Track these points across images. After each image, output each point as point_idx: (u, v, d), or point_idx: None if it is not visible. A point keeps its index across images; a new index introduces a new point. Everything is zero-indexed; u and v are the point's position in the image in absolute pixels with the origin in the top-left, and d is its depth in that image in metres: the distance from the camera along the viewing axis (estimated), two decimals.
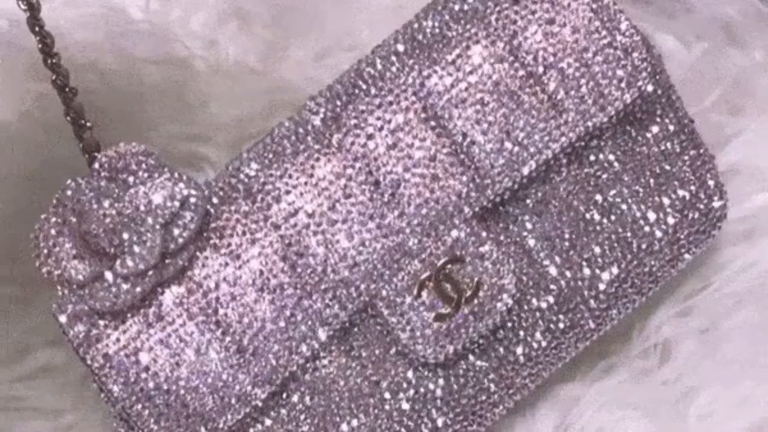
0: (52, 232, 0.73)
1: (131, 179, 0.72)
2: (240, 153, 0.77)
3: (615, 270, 0.79)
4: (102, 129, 0.78)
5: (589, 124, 0.76)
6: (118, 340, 0.74)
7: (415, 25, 0.77)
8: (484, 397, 0.78)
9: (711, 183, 0.80)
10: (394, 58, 0.77)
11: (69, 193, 0.73)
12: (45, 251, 0.72)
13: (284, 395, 0.76)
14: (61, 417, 0.87)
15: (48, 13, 0.79)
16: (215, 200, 0.75)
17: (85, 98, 0.80)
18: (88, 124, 0.76)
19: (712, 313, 0.85)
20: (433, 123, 0.75)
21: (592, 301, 0.78)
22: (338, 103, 0.76)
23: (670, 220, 0.79)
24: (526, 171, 0.76)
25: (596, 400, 0.84)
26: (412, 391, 0.77)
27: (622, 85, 0.76)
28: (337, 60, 0.88)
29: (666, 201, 0.79)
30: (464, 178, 0.75)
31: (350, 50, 0.88)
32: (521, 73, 0.76)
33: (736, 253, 0.87)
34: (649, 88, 0.77)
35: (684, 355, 0.85)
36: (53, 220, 0.73)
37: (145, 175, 0.72)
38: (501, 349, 0.78)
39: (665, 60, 0.85)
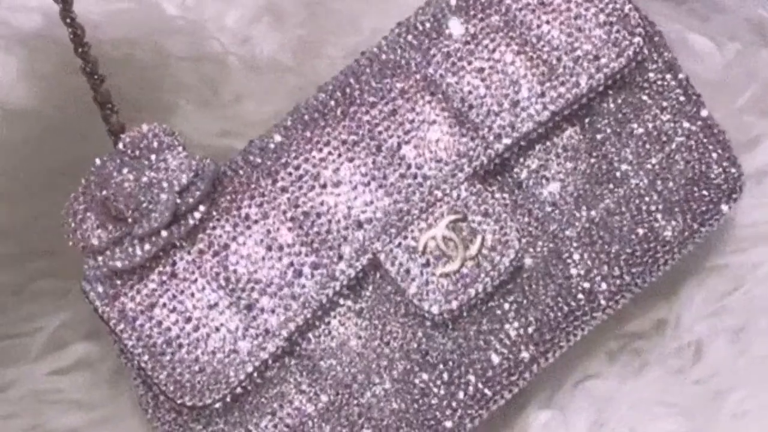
0: (80, 207, 0.76)
1: (153, 156, 0.76)
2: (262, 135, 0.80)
3: (619, 235, 0.80)
4: (135, 124, 0.79)
5: (584, 86, 0.78)
6: (133, 297, 0.77)
7: (412, 18, 0.81)
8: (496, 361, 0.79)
9: (720, 152, 0.81)
10: (401, 40, 0.80)
11: (94, 169, 0.76)
12: (72, 225, 0.76)
13: (296, 356, 0.78)
14: (95, 410, 0.88)
15: (83, 8, 0.80)
16: (228, 171, 0.79)
17: (119, 93, 0.81)
18: (115, 108, 0.79)
19: (744, 313, 0.85)
20: (432, 89, 0.78)
21: (605, 267, 0.79)
22: (342, 78, 0.80)
23: (677, 187, 0.80)
24: (524, 131, 0.78)
25: (630, 398, 0.84)
26: (423, 351, 0.78)
27: (616, 48, 0.79)
28: None
29: (674, 169, 0.80)
30: (464, 139, 0.78)
31: None
32: (516, 40, 0.78)
33: (767, 254, 0.87)
34: (645, 51, 0.79)
35: (717, 355, 0.85)
36: (81, 197, 0.76)
37: (165, 150, 0.76)
38: (511, 312, 0.79)
39: (698, 61, 0.85)
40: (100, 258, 0.76)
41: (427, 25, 0.80)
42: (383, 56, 0.80)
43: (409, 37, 0.80)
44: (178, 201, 0.75)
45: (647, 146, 0.80)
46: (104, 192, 0.75)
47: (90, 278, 0.77)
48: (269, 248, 0.77)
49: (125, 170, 0.75)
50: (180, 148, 0.76)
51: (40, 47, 0.88)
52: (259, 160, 0.79)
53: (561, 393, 0.84)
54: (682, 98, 0.81)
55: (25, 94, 0.89)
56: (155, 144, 0.76)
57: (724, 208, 0.81)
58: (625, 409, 0.84)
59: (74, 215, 0.76)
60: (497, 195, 0.79)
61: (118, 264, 0.76)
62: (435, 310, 0.77)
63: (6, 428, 0.87)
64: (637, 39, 0.79)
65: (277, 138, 0.79)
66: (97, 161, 0.77)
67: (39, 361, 0.88)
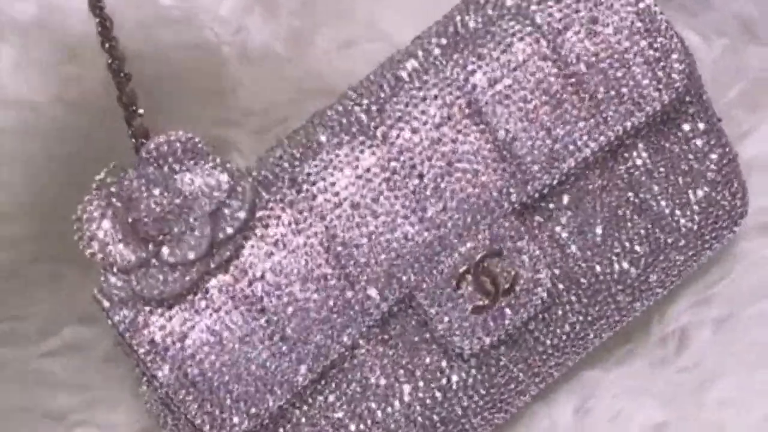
0: (96, 214, 0.72)
1: (177, 166, 0.72)
2: (281, 140, 0.77)
3: (643, 265, 0.80)
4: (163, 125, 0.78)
5: (628, 123, 0.77)
6: (163, 326, 0.74)
7: (457, 19, 0.78)
8: (513, 386, 0.79)
9: (735, 182, 0.81)
10: (437, 52, 0.77)
11: (114, 178, 0.72)
12: (88, 234, 0.72)
13: (321, 382, 0.77)
14: (87, 392, 0.88)
15: (77, 0, 0.80)
16: (259, 189, 0.75)
17: (112, 82, 0.81)
18: (140, 111, 0.77)
19: (730, 303, 0.86)
20: (476, 118, 0.76)
21: (619, 295, 0.80)
22: (382, 95, 0.76)
23: (696, 217, 0.80)
24: (566, 168, 0.77)
25: (615, 386, 0.85)
26: (444, 380, 0.78)
27: (660, 86, 0.77)
28: (364, 49, 0.89)
29: (693, 198, 0.80)
30: (506, 174, 0.76)
31: (377, 40, 0.89)
32: (564, 71, 0.76)
33: (753, 245, 0.88)
34: (685, 89, 0.78)
35: (702, 344, 0.86)
36: (96, 203, 0.72)
37: (192, 162, 0.72)
38: (531, 340, 0.79)
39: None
40: (122, 278, 0.72)
41: (467, 36, 0.77)
42: (422, 72, 0.76)
43: (449, 51, 0.76)
44: (214, 227, 0.71)
45: (671, 177, 0.80)
46: (133, 213, 0.71)
47: (111, 297, 0.73)
48: (305, 280, 0.74)
49: (156, 190, 0.72)
50: (209, 158, 0.72)
51: (35, 36, 0.88)
52: (292, 180, 0.75)
53: (550, 384, 0.85)
54: (712, 135, 0.81)
55: (20, 83, 0.89)
56: (180, 153, 0.73)
57: (731, 233, 0.82)
58: (609, 397, 0.85)
59: (89, 222, 0.72)
60: (529, 230, 0.78)
61: (146, 292, 0.72)
62: (466, 346, 0.76)
63: None
64: (680, 77, 0.77)
65: (312, 159, 0.75)
66: (117, 168, 0.72)
67: (32, 343, 0.88)
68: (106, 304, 0.74)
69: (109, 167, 0.73)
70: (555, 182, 0.77)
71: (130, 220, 0.71)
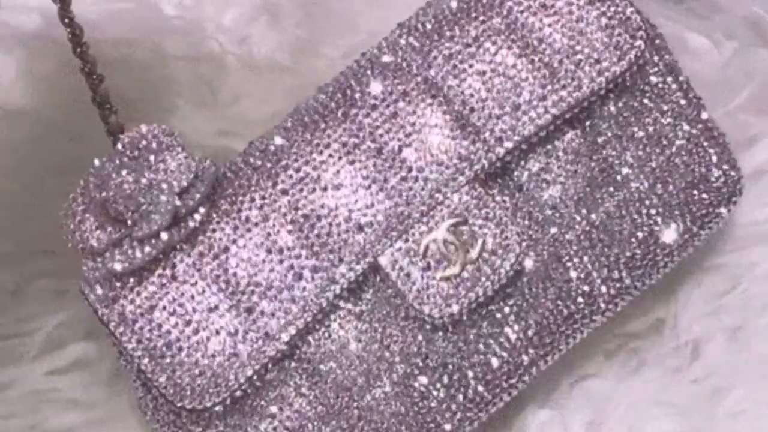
0: (79, 209, 0.76)
1: (152, 157, 0.76)
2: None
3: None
4: (134, 123, 0.79)
5: (587, 90, 0.78)
6: (133, 300, 0.77)
7: (413, 19, 0.81)
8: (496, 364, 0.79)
9: (720, 155, 0.81)
10: (396, 46, 0.80)
11: (93, 170, 0.76)
12: (72, 227, 0.76)
13: (296, 359, 0.78)
14: (93, 410, 0.88)
15: (81, 8, 0.80)
16: (229, 174, 0.78)
17: (117, 93, 0.81)
18: (114, 108, 0.79)
19: (742, 312, 0.86)
20: (433, 91, 0.78)
21: (605, 270, 0.80)
22: (343, 80, 0.79)
23: (677, 191, 0.80)
24: (525, 134, 0.78)
25: (627, 398, 0.84)
26: (423, 355, 0.78)
27: (618, 52, 0.78)
28: None
29: (675, 173, 0.80)
30: (465, 142, 0.78)
31: None
32: (518, 43, 0.78)
33: (765, 253, 0.87)
34: (645, 55, 0.79)
35: (714, 354, 0.85)
36: (80, 198, 0.76)
37: (165, 152, 0.76)
38: (511, 316, 0.79)
39: (696, 60, 0.85)
40: (99, 260, 0.76)
41: (428, 26, 0.80)
42: (383, 57, 0.79)
43: (410, 39, 0.79)
44: (178, 203, 0.75)
45: (647, 149, 0.80)
46: (103, 194, 0.75)
47: (89, 280, 0.77)
48: (269, 251, 0.77)
49: (124, 172, 0.75)
50: (179, 149, 0.76)
51: (39, 47, 0.88)
52: (259, 162, 0.79)
53: (558, 392, 0.84)
54: (682, 101, 0.81)
55: (24, 94, 0.89)
56: (154, 145, 0.76)
57: (724, 211, 0.81)
58: (622, 408, 0.84)
59: (73, 216, 0.76)
60: (498, 198, 0.79)
61: (117, 266, 0.76)
62: (435, 314, 0.77)
63: (4, 428, 0.87)
64: (638, 42, 0.79)
65: (278, 140, 0.79)
66: (96, 162, 0.77)
67: (37, 360, 0.88)
68: (84, 286, 0.77)
69: (93, 166, 0.76)
70: (517, 151, 0.78)
71: (101, 200, 0.75)
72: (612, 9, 0.79)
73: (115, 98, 0.80)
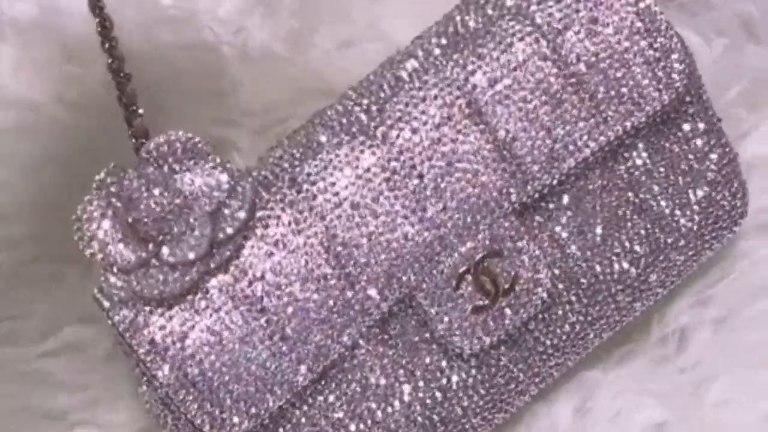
0: (96, 214, 0.72)
1: (177, 167, 0.72)
2: (281, 140, 0.78)
3: (642, 264, 0.80)
4: (161, 124, 0.78)
5: (628, 123, 0.77)
6: (163, 326, 0.74)
7: (457, 19, 0.78)
8: (513, 386, 0.79)
9: (735, 182, 0.81)
10: (437, 52, 0.77)
11: (114, 178, 0.73)
12: (88, 234, 0.72)
13: (321, 382, 0.77)
14: (87, 392, 0.88)
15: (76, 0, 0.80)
16: (259, 189, 0.75)
17: (112, 82, 0.81)
18: (140, 110, 0.77)
19: (729, 302, 0.86)
20: (476, 118, 0.76)
21: (619, 295, 0.80)
22: (382, 95, 0.77)
23: (696, 217, 0.80)
24: (566, 168, 0.77)
25: (615, 386, 0.85)
26: (444, 380, 0.78)
27: (660, 86, 0.77)
28: (363, 49, 0.89)
29: (693, 198, 0.80)
30: (506, 174, 0.76)
31: (376, 40, 0.89)
32: (564, 71, 0.76)
33: (753, 244, 0.88)
34: (685, 89, 0.78)
35: (701, 344, 0.86)
36: (96, 203, 0.72)
37: (192, 162, 0.73)
38: (531, 340, 0.79)
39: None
40: (123, 278, 0.72)
41: (467, 36, 0.77)
42: (422, 72, 0.76)
43: (453, 54, 0.76)
44: (214, 227, 0.72)
45: (671, 177, 0.80)
46: (133, 213, 0.71)
47: (111, 297, 0.74)
48: (305, 280, 0.74)
49: (155, 191, 0.72)
50: (209, 158, 0.72)
51: (35, 36, 0.88)
52: (292, 180, 0.75)
53: (549, 385, 0.85)
54: (712, 135, 0.81)
55: (20, 82, 0.88)
56: (180, 153, 0.73)
57: (730, 233, 0.82)
58: (609, 397, 0.85)
59: (89, 222, 0.72)
60: (531, 231, 0.78)
61: (146, 292, 0.72)
62: (466, 346, 0.77)
63: None
64: (681, 77, 0.77)
65: (312, 159, 0.75)
66: (116, 169, 0.72)
67: (31, 343, 0.88)
68: (107, 304, 0.74)
69: (109, 167, 0.73)
70: (555, 182, 0.77)
71: (130, 220, 0.71)
72: (659, 41, 0.77)
73: (135, 89, 0.78)
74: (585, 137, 0.77)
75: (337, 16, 0.90)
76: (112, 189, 0.72)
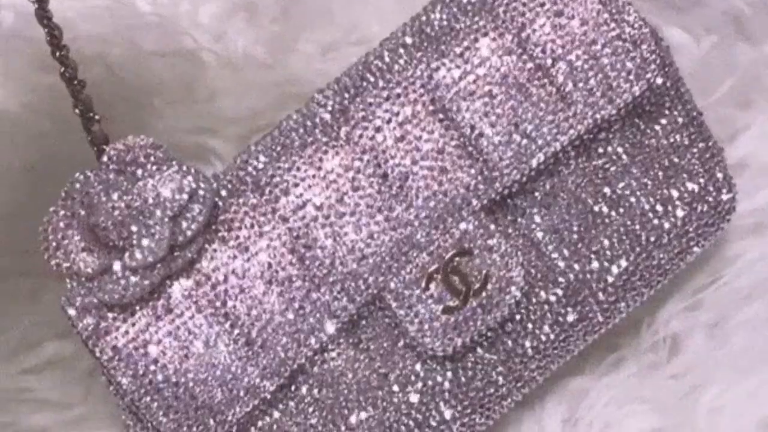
0: (61, 225, 0.72)
1: (140, 172, 0.72)
2: (248, 146, 0.77)
3: (624, 263, 0.78)
4: (109, 121, 0.78)
5: (598, 116, 0.76)
6: (126, 332, 0.74)
7: (423, 18, 0.78)
8: (492, 390, 0.78)
9: (720, 176, 0.80)
10: (402, 51, 0.77)
11: (77, 185, 0.73)
12: (54, 244, 0.72)
13: (293, 387, 0.76)
14: (69, 410, 0.87)
15: (56, 5, 0.79)
16: (223, 193, 0.75)
17: (93, 90, 0.80)
18: (97, 116, 0.76)
19: (721, 307, 0.85)
20: (441, 115, 0.75)
21: (600, 294, 0.78)
22: (346, 95, 0.76)
23: (679, 213, 0.79)
24: (534, 163, 0.76)
25: (605, 394, 0.84)
26: (420, 384, 0.77)
27: (631, 77, 0.76)
28: (346, 53, 0.88)
29: (675, 193, 0.79)
30: (472, 171, 0.75)
31: (358, 44, 0.88)
32: (529, 65, 0.76)
33: (745, 246, 0.87)
34: (658, 80, 0.77)
35: (693, 349, 0.85)
36: (62, 213, 0.73)
37: (154, 168, 0.72)
38: (509, 342, 0.78)
39: (675, 53, 0.85)
40: (86, 285, 0.73)
41: (432, 35, 0.77)
42: (386, 71, 0.76)
43: (416, 52, 0.76)
44: (175, 231, 0.72)
45: (651, 173, 0.79)
46: (92, 218, 0.72)
47: (76, 306, 0.74)
48: (270, 282, 0.74)
49: (114, 195, 0.72)
50: (171, 163, 0.72)
51: (12, 46, 0.87)
52: (257, 183, 0.75)
53: (535, 389, 0.84)
54: (687, 124, 0.80)
55: None
56: (142, 159, 0.73)
57: (718, 231, 0.81)
58: (600, 405, 0.84)
59: (55, 232, 0.73)
60: (502, 228, 0.77)
61: (108, 298, 0.72)
62: (438, 347, 0.76)
63: None
64: (652, 67, 0.76)
65: (276, 162, 0.75)
66: (80, 176, 0.73)
67: (11, 359, 0.87)
68: (72, 312, 0.74)
69: (75, 176, 0.73)
70: (524, 179, 0.76)
71: (90, 225, 0.71)
72: (627, 31, 0.76)
73: (90, 95, 0.78)
74: (554, 131, 0.76)
75: (319, 21, 0.90)
76: (75, 196, 0.72)
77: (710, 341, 0.85)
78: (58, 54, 0.76)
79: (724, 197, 0.80)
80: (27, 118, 0.87)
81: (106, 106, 0.85)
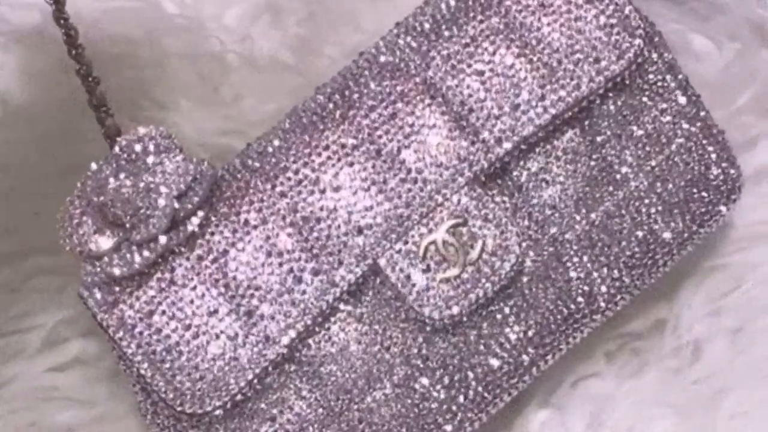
0: (77, 212, 0.76)
1: (149, 159, 0.76)
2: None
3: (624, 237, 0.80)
4: (136, 122, 0.79)
5: (585, 89, 0.78)
6: (132, 304, 0.76)
7: (417, 10, 0.80)
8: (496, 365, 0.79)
9: (721, 153, 0.81)
10: (396, 39, 0.80)
11: (91, 174, 0.76)
12: (69, 230, 0.76)
13: (297, 362, 0.78)
14: (93, 408, 0.88)
15: (84, 6, 0.80)
16: (226, 176, 0.78)
17: (120, 92, 0.81)
18: (111, 110, 0.79)
19: (743, 313, 0.85)
20: (432, 92, 0.78)
21: (604, 269, 0.79)
22: (341, 81, 0.79)
23: (678, 191, 0.80)
24: (524, 134, 0.78)
25: (628, 399, 0.84)
26: (423, 354, 0.78)
27: (617, 50, 0.78)
28: None
29: (675, 170, 0.80)
30: (464, 143, 0.77)
31: None
32: (516, 43, 0.78)
33: (767, 254, 0.86)
34: (645, 54, 0.79)
35: (715, 355, 0.85)
36: (77, 201, 0.76)
37: (162, 155, 0.76)
38: (511, 317, 0.79)
39: (697, 61, 0.85)
40: (98, 264, 0.76)
41: (426, 26, 0.79)
42: (381, 58, 0.79)
43: (408, 39, 0.79)
44: (177, 206, 0.75)
45: (647, 148, 0.80)
46: (101, 198, 0.75)
47: (88, 284, 0.77)
48: (269, 254, 0.77)
49: (122, 175, 0.75)
50: (177, 151, 0.76)
51: (38, 45, 0.88)
52: (257, 165, 0.78)
53: (559, 393, 0.84)
54: (681, 99, 0.81)
55: (24, 92, 0.88)
56: (152, 147, 0.76)
57: (723, 209, 0.81)
58: (623, 409, 0.84)
59: (71, 219, 0.76)
60: (497, 198, 0.79)
61: (116, 271, 0.76)
62: (435, 315, 0.77)
63: (4, 425, 0.87)
64: (637, 41, 0.78)
65: (276, 142, 0.78)
66: (93, 166, 0.76)
67: (37, 358, 0.88)
68: (84, 292, 0.77)
69: (91, 168, 0.76)
70: (517, 151, 0.78)
71: (99, 205, 0.75)
72: (611, 7, 0.78)
73: (115, 96, 0.80)
74: (544, 103, 0.78)
75: (344, 24, 0.90)
76: (89, 183, 0.75)
77: (733, 347, 0.85)
78: (74, 52, 0.78)
79: (724, 176, 0.81)
80: (56, 118, 0.88)
81: (132, 106, 0.86)
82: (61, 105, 0.88)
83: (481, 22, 0.79)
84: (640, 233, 0.80)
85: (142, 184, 0.75)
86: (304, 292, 0.77)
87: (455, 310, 0.77)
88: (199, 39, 0.90)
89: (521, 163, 0.79)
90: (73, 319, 0.88)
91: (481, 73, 0.78)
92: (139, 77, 0.88)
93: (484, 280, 0.77)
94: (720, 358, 0.85)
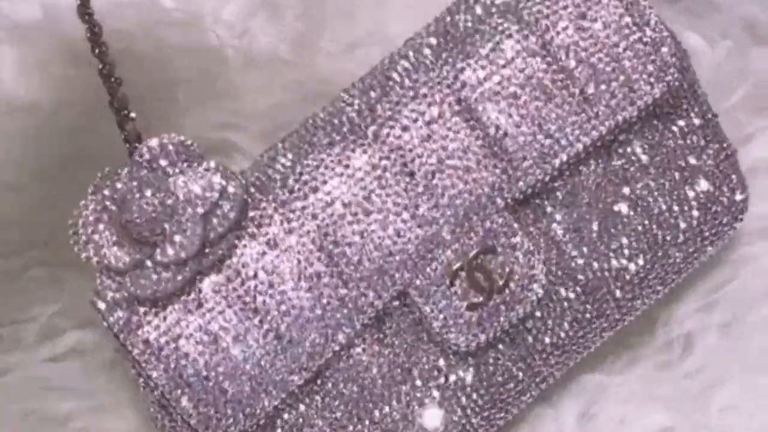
0: (91, 218, 0.73)
1: (171, 169, 0.73)
2: (275, 143, 0.78)
3: (641, 261, 0.80)
4: (147, 123, 0.78)
5: (619, 118, 0.77)
6: (158, 326, 0.74)
7: (447, 19, 0.79)
8: (512, 385, 0.79)
9: (734, 177, 0.81)
10: (427, 51, 0.77)
11: (108, 181, 0.74)
12: (84, 237, 0.73)
13: (318, 382, 0.77)
14: (90, 398, 0.88)
15: None
16: (252, 190, 0.76)
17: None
18: (132, 114, 0.77)
19: (735, 307, 0.86)
20: (466, 115, 0.76)
21: (618, 292, 0.79)
22: (372, 94, 0.77)
23: (695, 213, 0.80)
24: (557, 163, 0.77)
25: (619, 392, 0.84)
26: (442, 379, 0.78)
27: (652, 79, 0.77)
28: (368, 52, 0.88)
29: (691, 194, 0.80)
30: (497, 170, 0.76)
31: (381, 43, 0.88)
32: (553, 67, 0.77)
33: (759, 249, 0.87)
34: (677, 82, 0.78)
35: (707, 349, 0.85)
36: (92, 206, 0.73)
37: (185, 164, 0.74)
38: (530, 338, 0.79)
39: (690, 58, 0.85)
40: (117, 279, 0.73)
41: (457, 34, 0.77)
42: (412, 71, 0.77)
43: (442, 53, 0.77)
44: (206, 227, 0.73)
45: (668, 173, 0.80)
46: (125, 215, 0.72)
47: (106, 300, 0.75)
48: (298, 278, 0.75)
49: (147, 192, 0.73)
50: (201, 160, 0.74)
51: (40, 40, 0.88)
52: (283, 181, 0.76)
53: (551, 386, 0.85)
54: (707, 131, 0.81)
55: (25, 86, 0.88)
56: (173, 156, 0.74)
57: (731, 230, 0.82)
58: (614, 402, 0.84)
59: (85, 226, 0.73)
60: (525, 226, 0.78)
61: (140, 292, 0.73)
62: (462, 343, 0.77)
63: (1, 415, 0.87)
64: (672, 70, 0.78)
65: (303, 157, 0.76)
66: (111, 171, 0.74)
67: (34, 348, 0.88)
68: (102, 306, 0.74)
69: (104, 171, 0.74)
70: (547, 178, 0.77)
71: (123, 221, 0.72)
72: (649, 34, 0.77)
73: (126, 94, 0.79)
74: (576, 132, 0.77)
75: (342, 19, 0.90)
76: (106, 192, 0.73)
77: (724, 341, 0.85)
78: (97, 50, 0.77)
79: (738, 197, 0.81)
80: (55, 113, 0.88)
81: (130, 101, 0.86)
82: (62, 99, 0.88)
83: (518, 42, 0.77)
84: (656, 256, 0.80)
85: (168, 202, 0.73)
86: (332, 318, 0.76)
87: (481, 338, 0.77)
88: (198, 34, 0.90)
89: (548, 189, 0.79)
90: (69, 311, 0.88)
91: (517, 96, 0.76)
92: (137, 72, 0.88)
93: (510, 310, 0.77)
94: (711, 352, 0.85)
